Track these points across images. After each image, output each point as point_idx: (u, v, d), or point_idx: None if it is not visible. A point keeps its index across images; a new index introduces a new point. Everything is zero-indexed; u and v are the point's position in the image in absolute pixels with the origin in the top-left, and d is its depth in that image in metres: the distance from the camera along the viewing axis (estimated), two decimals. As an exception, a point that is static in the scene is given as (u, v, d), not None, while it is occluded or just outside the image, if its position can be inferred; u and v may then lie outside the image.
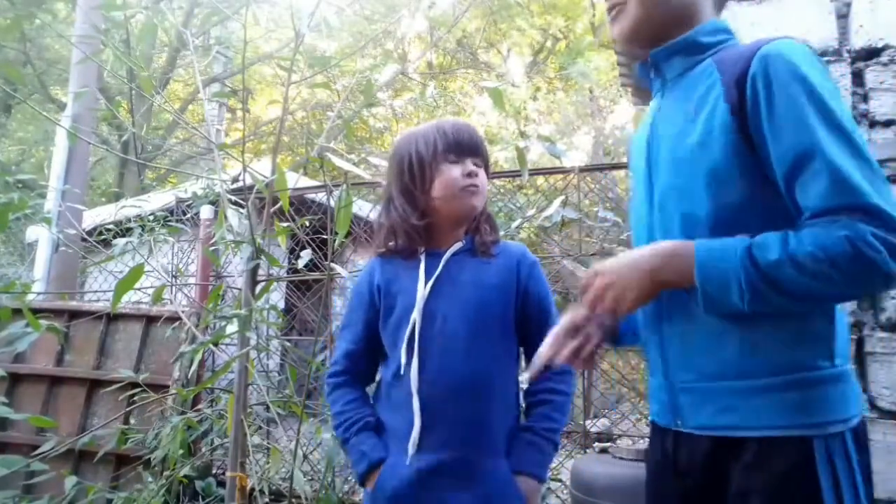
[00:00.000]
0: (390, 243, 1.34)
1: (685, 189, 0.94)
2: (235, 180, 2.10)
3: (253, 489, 2.04)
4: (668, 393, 0.98)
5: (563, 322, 0.99)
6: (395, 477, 1.23)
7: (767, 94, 0.86)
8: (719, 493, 0.90)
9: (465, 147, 1.32)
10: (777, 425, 0.85)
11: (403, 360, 1.26)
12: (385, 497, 1.23)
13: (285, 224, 2.10)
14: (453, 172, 1.30)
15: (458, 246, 1.34)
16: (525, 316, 1.33)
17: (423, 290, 1.28)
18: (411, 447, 1.23)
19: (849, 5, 1.60)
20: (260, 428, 2.78)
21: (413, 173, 1.32)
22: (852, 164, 0.81)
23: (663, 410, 1.00)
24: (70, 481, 2.67)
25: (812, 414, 0.85)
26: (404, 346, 1.26)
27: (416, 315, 1.27)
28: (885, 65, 1.54)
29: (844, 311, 0.94)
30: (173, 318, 3.08)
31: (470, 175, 1.31)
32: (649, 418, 1.07)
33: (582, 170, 3.00)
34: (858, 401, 0.90)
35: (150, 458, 2.68)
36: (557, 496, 2.70)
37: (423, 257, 1.33)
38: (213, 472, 3.13)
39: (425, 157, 1.31)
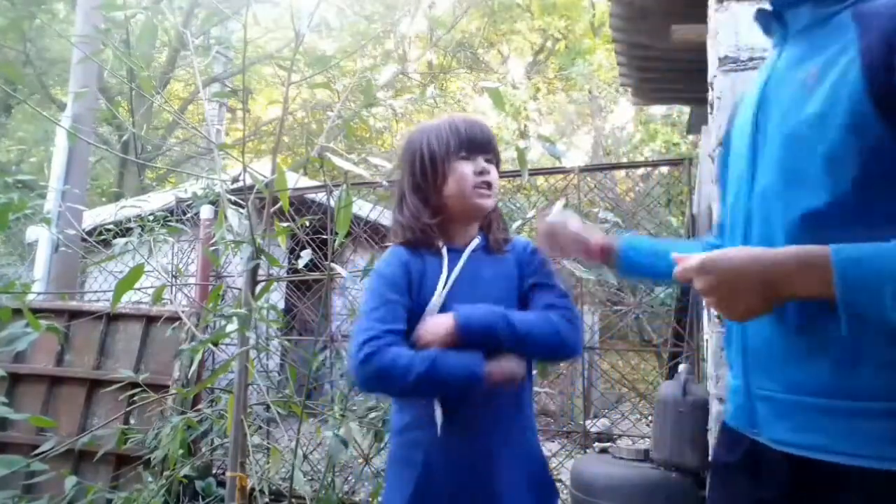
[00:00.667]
0: (408, 237, 1.30)
1: (796, 172, 0.79)
2: (235, 180, 2.10)
3: (253, 489, 2.04)
4: (745, 397, 0.88)
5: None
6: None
7: None
8: None
9: (478, 144, 1.31)
10: (879, 455, 0.73)
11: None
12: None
13: (285, 224, 2.10)
14: (465, 170, 1.28)
15: (475, 243, 1.33)
16: (529, 287, 1.32)
17: (442, 287, 1.25)
18: (439, 429, 1.18)
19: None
20: (260, 428, 2.78)
21: (425, 171, 1.30)
22: None
23: (738, 413, 0.91)
24: (70, 481, 2.67)
25: None
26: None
27: (434, 308, 1.23)
28: None
29: None
30: (173, 318, 3.08)
31: (482, 173, 1.29)
32: (725, 420, 0.96)
33: (582, 170, 3.01)
34: None
35: (150, 458, 2.68)
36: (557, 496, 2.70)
37: (445, 253, 1.29)
38: (213, 472, 3.13)
39: (437, 155, 1.29)
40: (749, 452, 0.87)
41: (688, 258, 0.81)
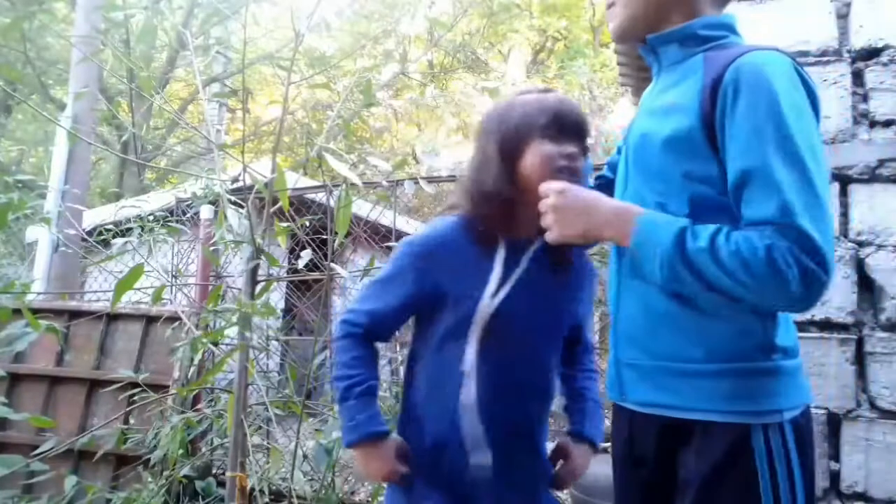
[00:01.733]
0: (482, 210, 1.18)
1: (646, 183, 1.00)
2: (235, 180, 2.11)
3: (253, 489, 2.04)
4: (614, 367, 1.05)
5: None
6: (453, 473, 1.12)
7: (734, 103, 0.88)
8: (672, 479, 0.96)
9: (570, 127, 1.18)
10: (714, 409, 0.91)
11: (470, 357, 1.13)
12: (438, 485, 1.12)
13: (285, 224, 2.10)
14: (551, 151, 1.15)
15: (538, 243, 1.20)
16: (580, 313, 1.31)
17: (494, 285, 1.15)
18: (478, 457, 1.12)
19: (849, 5, 1.59)
20: (260, 428, 2.78)
21: (508, 142, 1.18)
22: (794, 185, 0.84)
23: (611, 384, 1.07)
24: (70, 481, 2.67)
25: (746, 402, 0.90)
26: (474, 343, 1.13)
27: (486, 313, 1.14)
28: (885, 65, 1.53)
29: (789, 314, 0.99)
30: (173, 318, 3.07)
31: (569, 157, 1.15)
32: (607, 395, 1.13)
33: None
34: (800, 396, 0.95)
35: (149, 458, 2.67)
36: (558, 496, 2.70)
37: (502, 247, 1.18)
38: (213, 472, 3.13)
39: (526, 128, 1.17)
40: (629, 428, 1.03)
41: (557, 183, 1.03)
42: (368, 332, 1.20)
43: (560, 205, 0.99)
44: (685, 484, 0.93)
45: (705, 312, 0.93)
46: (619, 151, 1.23)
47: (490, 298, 1.14)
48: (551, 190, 1.02)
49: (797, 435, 0.91)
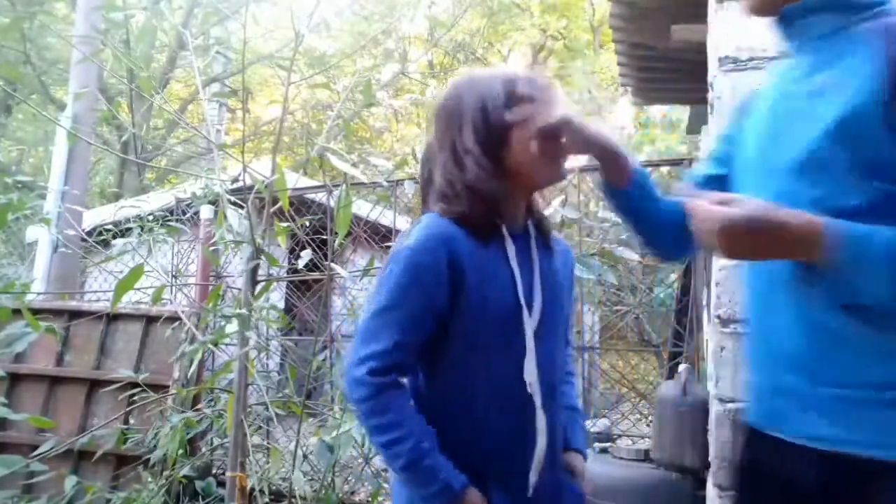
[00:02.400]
0: (461, 209, 1.03)
1: (817, 172, 0.83)
2: (235, 180, 2.11)
3: (253, 489, 2.04)
4: (767, 394, 0.90)
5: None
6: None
7: None
8: None
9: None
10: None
11: (528, 366, 1.03)
12: None
13: (285, 224, 2.10)
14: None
15: (531, 229, 1.11)
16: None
17: (519, 281, 1.04)
18: (535, 474, 1.03)
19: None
20: (260, 428, 2.78)
21: (491, 123, 1.04)
22: None
23: (761, 413, 0.91)
24: (70, 481, 2.67)
25: None
26: (530, 349, 1.03)
27: (526, 310, 1.03)
28: (885, 65, 1.54)
29: None
30: (173, 318, 3.07)
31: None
32: (747, 421, 0.95)
33: (582, 169, 3.00)
34: None
35: (149, 458, 2.67)
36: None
37: (507, 236, 1.06)
38: (213, 472, 3.13)
39: (503, 112, 1.04)
40: (773, 450, 0.87)
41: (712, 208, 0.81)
42: (400, 373, 1.02)
43: (736, 234, 0.79)
44: None
45: (890, 330, 0.78)
46: (731, 140, 1.06)
47: (527, 305, 1.04)
48: (714, 218, 0.80)
49: None
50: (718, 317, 1.54)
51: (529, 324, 1.03)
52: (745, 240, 0.79)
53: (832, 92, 0.83)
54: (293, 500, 2.19)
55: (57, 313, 3.29)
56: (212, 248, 2.21)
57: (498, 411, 1.03)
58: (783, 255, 0.81)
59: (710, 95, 1.80)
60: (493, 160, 1.04)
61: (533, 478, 1.02)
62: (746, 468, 0.94)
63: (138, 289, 2.84)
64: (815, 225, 0.77)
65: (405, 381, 1.05)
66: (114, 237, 2.86)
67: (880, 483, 0.76)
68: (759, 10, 0.95)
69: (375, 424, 0.98)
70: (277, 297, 4.27)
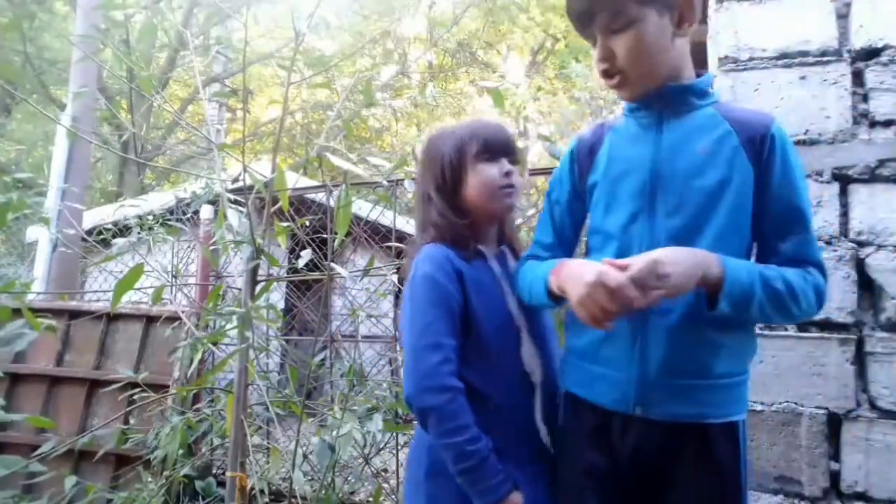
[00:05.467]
0: (444, 235, 1.31)
1: (702, 217, 1.11)
2: (235, 180, 2.10)
3: (253, 489, 2.04)
4: (637, 385, 1.13)
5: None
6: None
7: (783, 155, 1.12)
8: (664, 466, 1.12)
9: (501, 147, 1.33)
10: (722, 413, 1.12)
11: (526, 361, 1.26)
12: None
13: (285, 224, 2.10)
14: (491, 172, 1.30)
15: (508, 251, 1.39)
16: None
17: (509, 292, 1.30)
18: (548, 444, 1.25)
19: (849, 5, 1.59)
20: (260, 428, 2.78)
21: (449, 172, 1.32)
22: (813, 230, 1.14)
23: (622, 398, 1.14)
24: (70, 481, 2.67)
25: (738, 406, 1.14)
26: (530, 352, 1.27)
27: (518, 318, 1.28)
28: (885, 65, 1.53)
29: None
30: (173, 318, 3.07)
31: (507, 175, 1.31)
32: (590, 399, 1.19)
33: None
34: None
35: (150, 458, 2.67)
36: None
37: (491, 258, 1.33)
38: (213, 472, 3.13)
39: (460, 157, 1.32)
40: (621, 429, 1.14)
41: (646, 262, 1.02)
42: (459, 379, 1.20)
43: (667, 273, 1.00)
44: (694, 464, 1.10)
45: (737, 335, 1.13)
46: (599, 193, 1.27)
47: (508, 302, 1.28)
48: (648, 265, 1.00)
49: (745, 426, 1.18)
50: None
51: (523, 325, 1.27)
52: (679, 274, 1.01)
53: (709, 156, 1.13)
54: (293, 500, 2.19)
55: (57, 313, 3.29)
56: (212, 248, 2.21)
57: (508, 400, 1.24)
58: (700, 278, 1.03)
59: (710, 95, 1.80)
60: (452, 202, 1.32)
61: (547, 443, 1.25)
62: (592, 434, 1.17)
63: (138, 289, 2.84)
64: (708, 254, 1.05)
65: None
66: (114, 237, 2.86)
67: (712, 436, 1.11)
68: (633, 99, 1.21)
69: (452, 427, 1.15)
70: (277, 297, 4.27)
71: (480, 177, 1.30)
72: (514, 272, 1.33)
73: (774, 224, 1.12)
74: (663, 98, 1.18)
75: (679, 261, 1.01)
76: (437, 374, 1.16)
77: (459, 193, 1.32)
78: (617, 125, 1.27)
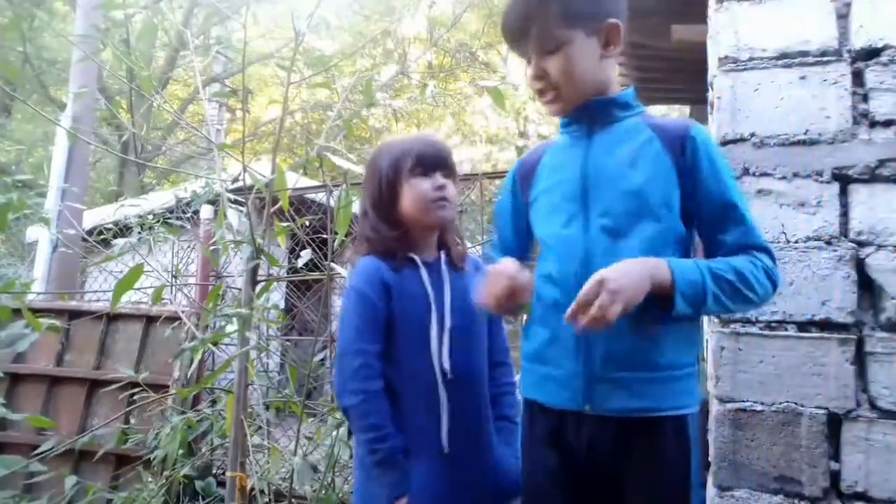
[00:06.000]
0: (377, 247, 1.44)
1: (635, 217, 1.18)
2: (235, 180, 2.10)
3: (253, 489, 2.04)
4: (584, 381, 1.17)
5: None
6: (430, 474, 1.34)
7: (707, 154, 1.19)
8: (618, 462, 1.15)
9: (434, 161, 1.43)
10: (669, 406, 1.16)
11: (434, 358, 1.36)
12: (422, 494, 1.32)
13: (285, 224, 2.10)
14: (423, 186, 1.40)
15: (444, 258, 1.47)
16: (488, 320, 1.51)
17: (434, 296, 1.40)
18: (445, 439, 1.35)
19: (849, 5, 1.59)
20: (260, 428, 2.78)
21: (384, 188, 1.43)
22: (748, 215, 1.19)
23: (572, 397, 1.19)
24: (70, 481, 2.67)
25: (686, 398, 1.18)
26: (434, 346, 1.36)
27: (434, 320, 1.38)
28: (885, 65, 1.53)
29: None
30: (173, 318, 3.07)
31: (440, 188, 1.41)
32: (541, 401, 1.24)
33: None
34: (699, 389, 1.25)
35: (150, 458, 2.67)
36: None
37: (421, 265, 1.42)
38: (213, 472, 3.13)
39: (395, 172, 1.42)
40: (575, 428, 1.18)
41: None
42: (381, 378, 1.35)
43: (614, 290, 1.05)
44: (644, 460, 1.14)
45: (674, 332, 1.16)
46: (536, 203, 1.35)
47: (437, 318, 1.38)
48: (590, 288, 1.06)
49: (699, 418, 1.23)
50: (718, 317, 1.54)
51: (438, 328, 1.37)
52: (625, 290, 1.06)
53: (634, 160, 1.20)
54: (293, 500, 2.19)
55: (57, 313, 3.29)
56: (212, 248, 2.21)
57: (417, 396, 1.36)
58: (647, 288, 1.08)
59: (710, 95, 1.80)
60: (390, 215, 1.43)
61: (445, 442, 1.34)
62: (548, 437, 1.22)
63: (138, 289, 2.84)
64: (657, 261, 1.10)
65: (383, 386, 1.36)
66: (114, 237, 2.86)
67: (661, 430, 1.14)
68: (562, 114, 1.29)
69: (364, 425, 1.32)
70: (277, 297, 4.27)
71: (414, 191, 1.40)
72: (449, 277, 1.44)
73: (712, 220, 1.19)
74: (590, 111, 1.26)
75: (627, 273, 1.07)
76: (355, 377, 1.32)
77: (396, 207, 1.42)
78: (553, 143, 1.37)
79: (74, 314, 3.43)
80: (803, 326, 1.51)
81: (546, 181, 1.32)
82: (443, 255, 1.48)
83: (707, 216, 1.20)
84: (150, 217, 3.11)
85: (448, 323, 1.39)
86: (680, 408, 1.16)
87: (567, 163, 1.29)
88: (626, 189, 1.19)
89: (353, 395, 1.32)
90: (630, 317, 1.10)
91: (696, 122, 1.23)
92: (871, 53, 1.56)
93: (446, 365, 1.37)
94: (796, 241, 1.51)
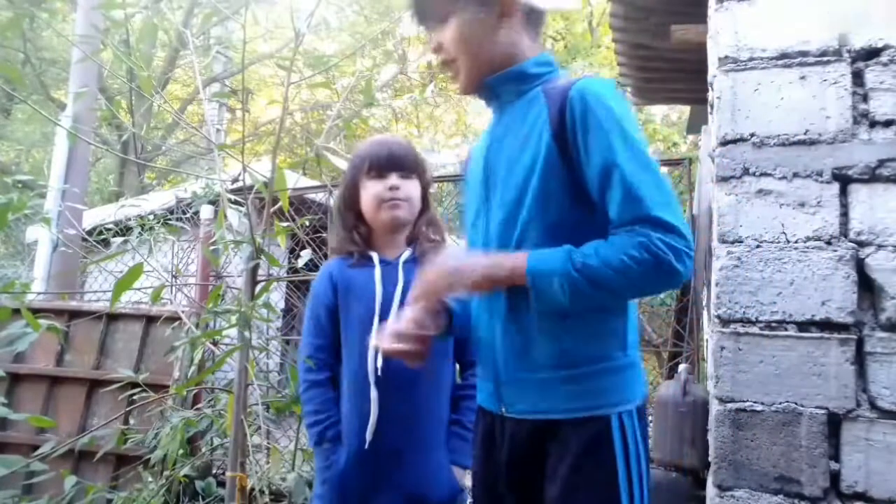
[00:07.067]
0: (338, 249, 1.54)
1: (519, 207, 1.08)
2: (235, 180, 2.10)
3: (253, 489, 2.04)
4: (494, 383, 1.14)
5: (405, 323, 1.10)
6: (348, 464, 1.42)
7: (583, 119, 1.03)
8: (538, 469, 1.08)
9: (387, 163, 1.48)
10: (581, 407, 1.05)
11: (369, 356, 1.42)
12: (335, 484, 1.42)
13: (285, 224, 2.10)
14: (376, 188, 1.47)
15: (407, 254, 1.51)
16: None
17: (380, 294, 1.45)
18: (369, 434, 1.41)
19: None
20: (259, 428, 2.78)
21: (345, 191, 1.53)
22: (645, 182, 0.99)
23: (491, 399, 1.16)
24: (70, 481, 2.67)
25: (608, 397, 1.06)
26: (371, 345, 1.38)
27: (376, 317, 1.43)
28: (885, 65, 1.53)
29: (634, 308, 1.14)
30: (173, 318, 3.07)
31: (392, 188, 1.47)
32: (480, 402, 1.23)
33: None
34: (642, 383, 1.12)
35: (149, 458, 2.67)
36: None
37: (377, 263, 1.49)
38: (213, 472, 3.13)
39: (355, 175, 1.50)
40: (500, 429, 1.14)
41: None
42: (323, 370, 1.49)
43: (442, 276, 1.07)
44: (555, 468, 1.05)
45: (569, 323, 1.05)
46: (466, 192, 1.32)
47: (375, 304, 1.43)
48: (426, 279, 1.10)
49: (640, 416, 1.09)
50: (718, 317, 1.54)
51: (376, 324, 1.40)
52: (435, 286, 1.08)
53: (528, 139, 1.09)
54: (292, 501, 2.19)
55: (57, 313, 3.28)
56: (212, 248, 2.21)
57: (351, 389, 1.45)
58: (487, 280, 1.06)
59: (710, 95, 1.80)
60: (355, 216, 1.52)
61: (368, 436, 1.40)
62: (484, 439, 1.19)
63: (138, 289, 2.84)
64: (514, 256, 1.04)
65: (328, 376, 1.49)
66: (114, 236, 2.86)
67: (566, 434, 1.05)
68: (467, 91, 1.20)
69: (305, 410, 1.48)
70: (277, 297, 4.27)
71: (368, 193, 1.49)
72: (405, 274, 1.48)
73: (597, 193, 1.02)
74: (489, 90, 1.18)
75: (437, 275, 1.08)
76: (301, 368, 1.50)
77: (358, 209, 1.51)
78: None
79: (74, 314, 3.43)
80: (803, 326, 1.51)
81: (468, 173, 1.28)
82: (407, 253, 1.51)
83: (593, 189, 1.03)
84: (151, 217, 3.11)
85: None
86: (598, 408, 1.04)
87: (477, 150, 1.24)
88: (515, 176, 1.10)
89: (301, 384, 1.49)
90: (516, 313, 1.08)
91: (587, 78, 1.08)
92: (871, 53, 1.56)
93: (378, 363, 1.40)
94: (796, 241, 1.51)
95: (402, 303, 1.42)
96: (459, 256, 1.12)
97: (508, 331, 1.11)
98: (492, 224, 1.14)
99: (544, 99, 1.10)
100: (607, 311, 1.07)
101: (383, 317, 1.41)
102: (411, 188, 1.51)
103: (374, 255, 1.50)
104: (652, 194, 0.98)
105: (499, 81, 1.16)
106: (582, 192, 1.04)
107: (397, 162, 1.50)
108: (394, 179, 1.48)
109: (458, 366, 1.60)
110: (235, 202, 2.04)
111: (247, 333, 1.88)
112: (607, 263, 0.97)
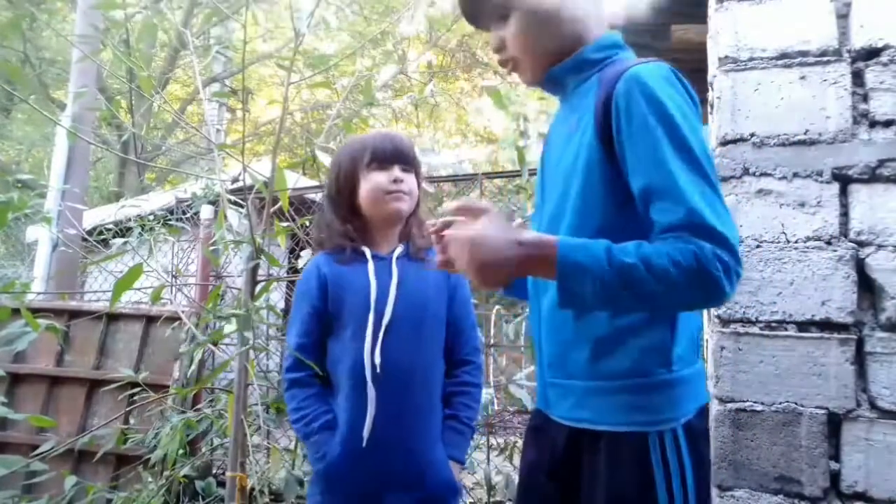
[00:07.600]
0: (327, 243, 1.50)
1: (562, 212, 1.02)
2: (235, 180, 2.10)
3: (253, 489, 2.04)
4: (541, 384, 1.12)
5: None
6: (345, 460, 1.40)
7: (627, 116, 0.92)
8: (576, 476, 1.03)
9: (391, 155, 1.46)
10: (617, 422, 0.99)
11: (366, 352, 1.40)
12: (331, 478, 1.41)
13: (285, 224, 2.10)
14: (379, 178, 1.44)
15: (400, 250, 1.49)
16: (451, 315, 1.52)
17: (374, 289, 1.42)
18: (366, 431, 1.39)
19: (849, 5, 1.59)
20: (259, 428, 2.78)
21: (342, 181, 1.48)
22: (698, 188, 0.88)
23: (539, 397, 1.14)
24: (70, 481, 2.67)
25: (646, 413, 0.98)
26: (367, 340, 1.40)
27: (372, 313, 1.41)
28: (885, 65, 1.53)
29: (693, 319, 1.08)
30: (173, 318, 3.07)
31: (396, 181, 1.44)
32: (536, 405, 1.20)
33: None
34: (695, 398, 1.06)
35: (149, 458, 2.67)
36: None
37: (370, 258, 1.46)
38: (213, 472, 3.13)
39: (353, 166, 1.46)
40: (548, 428, 1.10)
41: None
42: (307, 369, 1.46)
43: (464, 243, 0.92)
44: (590, 480, 1.00)
45: (612, 333, 0.99)
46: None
47: (370, 299, 1.41)
48: (443, 242, 0.98)
49: (689, 435, 1.01)
50: (718, 317, 1.54)
51: (374, 321, 1.40)
52: (466, 258, 0.92)
53: (574, 132, 1.01)
54: (293, 500, 2.19)
55: (57, 313, 3.28)
56: (212, 248, 2.21)
57: (348, 384, 1.42)
58: (516, 270, 0.93)
59: (710, 95, 1.80)
60: (349, 208, 1.47)
61: (365, 433, 1.39)
62: (537, 432, 1.15)
63: (138, 289, 2.84)
64: (545, 240, 0.91)
65: (311, 373, 1.46)
66: (114, 237, 2.86)
67: (606, 446, 0.98)
68: (532, 82, 1.12)
69: (289, 407, 1.46)
70: (277, 297, 4.27)
71: (370, 183, 1.44)
72: (399, 269, 1.46)
73: (640, 196, 0.92)
74: (551, 83, 1.10)
75: (484, 237, 0.92)
76: (286, 366, 1.48)
77: (355, 201, 1.47)
78: None
79: (74, 314, 3.43)
80: (803, 326, 1.51)
81: (540, 164, 1.21)
82: (399, 249, 1.50)
83: (637, 191, 0.92)
84: (151, 218, 3.11)
85: (388, 317, 1.41)
86: (632, 423, 0.97)
87: (544, 146, 1.19)
88: (559, 178, 1.03)
89: (283, 382, 1.48)
90: (556, 316, 1.03)
91: (639, 65, 0.96)
92: (871, 53, 1.56)
93: (377, 359, 1.39)
94: (796, 241, 1.51)
95: (396, 299, 1.42)
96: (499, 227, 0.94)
97: (549, 333, 1.07)
98: (545, 221, 1.08)
99: (597, 89, 0.99)
100: (646, 323, 0.98)
101: (378, 313, 1.41)
102: (412, 182, 1.49)
103: (367, 251, 1.47)
104: (706, 202, 0.88)
105: (563, 71, 1.07)
106: (630, 196, 0.93)
107: (401, 155, 1.48)
108: (397, 171, 1.46)
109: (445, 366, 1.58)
110: (235, 202, 2.04)
111: (248, 335, 1.88)
112: (647, 264, 0.85)
